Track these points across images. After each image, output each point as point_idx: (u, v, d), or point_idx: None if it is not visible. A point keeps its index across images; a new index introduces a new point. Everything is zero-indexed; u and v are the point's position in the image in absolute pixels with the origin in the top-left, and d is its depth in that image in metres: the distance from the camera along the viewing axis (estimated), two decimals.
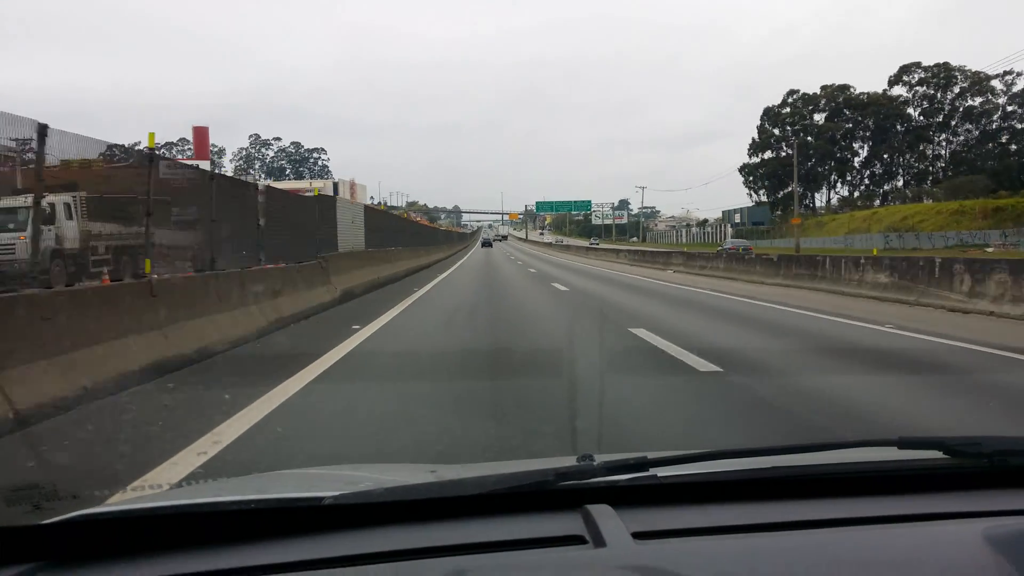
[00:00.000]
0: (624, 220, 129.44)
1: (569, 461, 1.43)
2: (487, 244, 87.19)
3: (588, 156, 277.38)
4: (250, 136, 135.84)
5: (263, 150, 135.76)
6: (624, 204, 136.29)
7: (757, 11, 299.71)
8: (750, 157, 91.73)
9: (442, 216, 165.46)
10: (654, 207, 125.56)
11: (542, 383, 5.80)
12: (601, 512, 1.23)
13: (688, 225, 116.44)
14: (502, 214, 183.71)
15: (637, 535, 1.17)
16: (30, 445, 4.15)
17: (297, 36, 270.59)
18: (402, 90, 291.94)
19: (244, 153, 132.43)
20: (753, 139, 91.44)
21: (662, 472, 1.37)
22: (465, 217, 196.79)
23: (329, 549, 1.15)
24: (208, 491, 1.65)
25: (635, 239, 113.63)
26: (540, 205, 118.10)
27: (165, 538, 1.17)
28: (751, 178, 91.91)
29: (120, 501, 2.24)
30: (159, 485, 3.29)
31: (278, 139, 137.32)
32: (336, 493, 1.26)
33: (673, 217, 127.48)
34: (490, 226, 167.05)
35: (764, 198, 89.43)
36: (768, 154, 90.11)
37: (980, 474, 1.43)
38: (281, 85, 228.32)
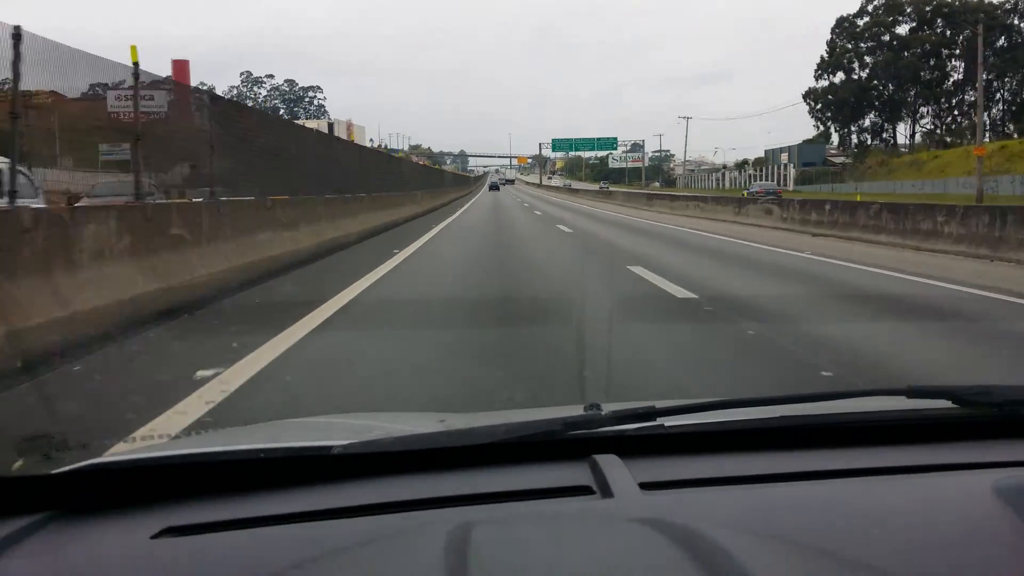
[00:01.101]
0: (645, 163, 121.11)
1: (577, 410, 1.46)
2: (494, 188, 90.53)
3: (598, 100, 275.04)
4: (241, 73, 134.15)
5: (255, 88, 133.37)
6: (637, 147, 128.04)
7: None
8: (817, 80, 75.17)
9: (447, 161, 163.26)
10: (668, 150, 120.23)
11: (550, 330, 6.16)
12: (608, 462, 1.29)
13: (718, 168, 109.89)
14: (510, 158, 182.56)
15: (644, 485, 1.22)
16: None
17: None
18: (404, 32, 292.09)
19: (235, 92, 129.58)
20: (822, 57, 74.49)
21: (669, 421, 1.42)
22: (472, 162, 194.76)
23: (338, 499, 1.22)
24: (217, 439, 1.84)
25: (657, 184, 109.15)
26: (557, 144, 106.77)
27: (174, 487, 1.23)
28: (819, 106, 75.44)
29: (130, 450, 2.37)
30: (199, 424, 3.55)
31: (271, 76, 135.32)
32: (345, 442, 1.31)
33: (691, 161, 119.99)
34: (496, 171, 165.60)
35: (835, 131, 75.56)
36: (838, 76, 74.18)
37: (991, 424, 1.47)
38: (276, 28, 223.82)
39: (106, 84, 10.00)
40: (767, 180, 69.66)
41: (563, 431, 1.35)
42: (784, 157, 79.84)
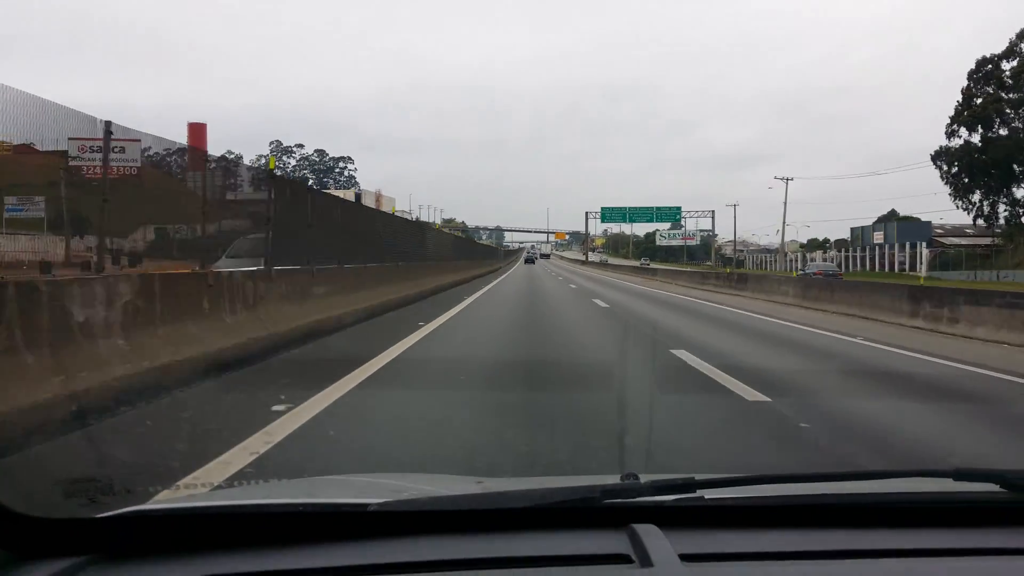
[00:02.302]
0: (696, 241, 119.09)
1: (614, 479, 1.61)
2: (530, 261, 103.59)
3: (632, 179, 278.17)
4: (271, 143, 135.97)
5: (284, 158, 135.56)
6: (677, 223, 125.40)
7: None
8: (950, 138, 60.37)
9: (483, 235, 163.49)
10: (710, 231, 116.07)
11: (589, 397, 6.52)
12: (648, 532, 1.36)
13: (770, 250, 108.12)
14: (547, 233, 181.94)
15: (685, 557, 1.28)
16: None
17: (334, 61, 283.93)
18: (440, 111, 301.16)
19: (263, 162, 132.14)
20: (957, 107, 60.15)
21: (709, 494, 1.49)
22: (508, 236, 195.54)
23: (373, 556, 1.31)
24: (258, 492, 2.09)
25: (709, 263, 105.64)
26: (607, 213, 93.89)
27: (215, 536, 1.35)
28: (954, 169, 60.23)
29: (172, 498, 2.63)
30: (246, 476, 3.84)
31: (300, 146, 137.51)
32: (381, 500, 1.42)
33: (744, 241, 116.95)
34: (532, 246, 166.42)
35: (978, 198, 60.01)
36: (971, 135, 58.78)
37: None
38: (315, 105, 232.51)
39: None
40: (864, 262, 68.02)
41: (600, 499, 1.46)
42: (878, 236, 73.73)
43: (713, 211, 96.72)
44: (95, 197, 9.00)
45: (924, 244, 63.20)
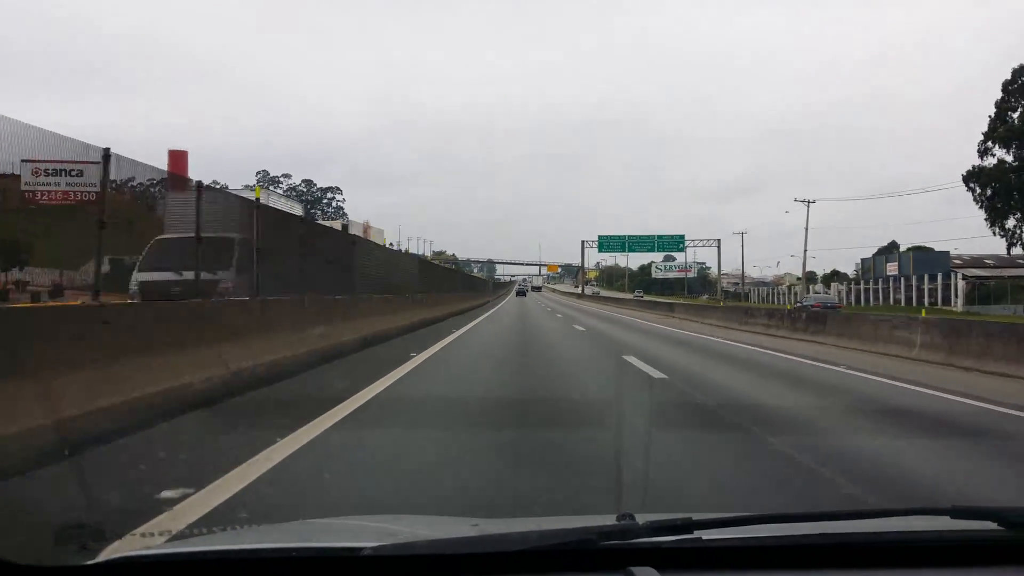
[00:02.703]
0: (693, 274, 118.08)
1: (610, 519, 1.65)
2: (521, 293, 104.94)
3: (624, 212, 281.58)
4: (257, 172, 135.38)
5: (271, 187, 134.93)
6: (670, 256, 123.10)
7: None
8: (982, 157, 55.59)
9: (474, 268, 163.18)
10: (704, 263, 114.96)
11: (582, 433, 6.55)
12: (646, 575, 1.38)
13: (760, 284, 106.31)
14: (539, 265, 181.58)
15: None
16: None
17: (324, 95, 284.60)
18: (429, 146, 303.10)
19: (248, 191, 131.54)
20: (990, 122, 55.59)
21: (707, 535, 1.52)
22: (500, 269, 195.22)
23: None
24: (249, 537, 2.08)
25: (706, 296, 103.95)
26: (604, 242, 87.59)
27: None
28: (987, 191, 54.69)
29: (163, 544, 2.64)
30: (204, 528, 3.64)
31: (287, 176, 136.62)
32: (375, 544, 1.45)
33: (728, 274, 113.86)
34: (524, 279, 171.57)
35: (1013, 224, 55.16)
36: (1007, 152, 54.76)
37: None
38: (305, 136, 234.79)
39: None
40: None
41: (597, 541, 1.49)
42: (892, 268, 69.36)
43: (719, 240, 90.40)
44: (38, 224, 8.22)
45: (959, 276, 59.91)
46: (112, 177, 8.43)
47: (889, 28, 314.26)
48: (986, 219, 55.96)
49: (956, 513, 1.60)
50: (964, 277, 60.08)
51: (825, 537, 1.58)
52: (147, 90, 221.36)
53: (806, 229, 70.38)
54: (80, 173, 9.00)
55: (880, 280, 69.59)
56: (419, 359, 12.85)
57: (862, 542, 1.60)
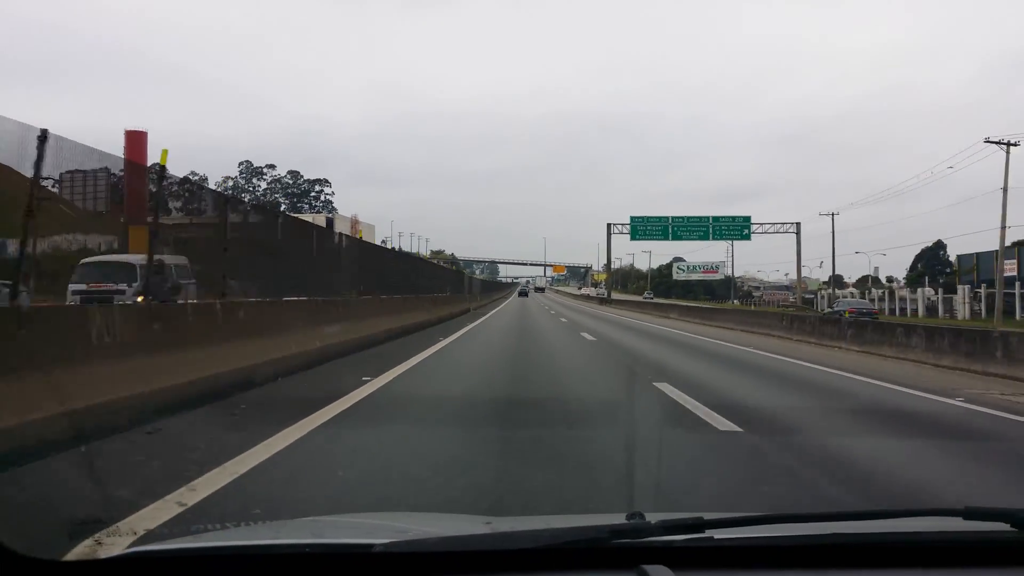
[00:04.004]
0: (718, 275, 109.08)
1: (621, 518, 1.69)
2: (523, 294, 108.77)
3: (622, 214, 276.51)
4: (240, 163, 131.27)
5: (254, 180, 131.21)
6: (678, 258, 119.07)
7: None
8: None
9: (476, 270, 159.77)
10: (724, 261, 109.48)
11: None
12: (658, 573, 1.43)
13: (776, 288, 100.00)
14: (545, 266, 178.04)
15: None
16: None
17: (323, 91, 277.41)
18: (432, 143, 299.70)
19: (231, 183, 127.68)
20: None
21: (719, 534, 1.60)
22: (503, 270, 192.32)
23: None
24: (264, 533, 2.17)
25: (736, 302, 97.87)
26: (639, 225, 69.57)
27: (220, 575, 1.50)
28: None
29: (178, 538, 2.59)
30: (219, 524, 3.86)
31: (272, 167, 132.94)
32: (387, 541, 1.52)
33: (750, 278, 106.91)
34: (527, 281, 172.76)
35: None
36: None
37: None
38: (303, 134, 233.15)
39: None
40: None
41: (608, 539, 1.55)
42: (1010, 266, 53.05)
43: (798, 224, 71.14)
44: None
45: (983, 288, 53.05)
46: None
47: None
48: None
49: (969, 514, 1.65)
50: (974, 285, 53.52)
51: (837, 537, 1.64)
52: (142, 90, 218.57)
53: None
54: None
55: (983, 284, 56.64)
56: None
57: (874, 542, 1.66)
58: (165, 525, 3.81)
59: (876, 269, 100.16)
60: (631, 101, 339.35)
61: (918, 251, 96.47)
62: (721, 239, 72.02)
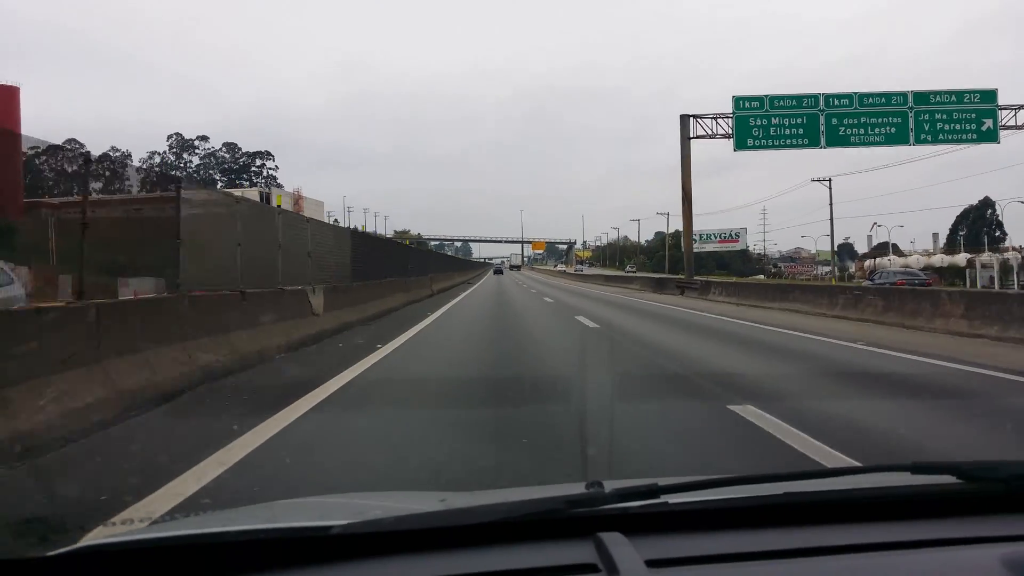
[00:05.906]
0: (738, 244, 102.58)
1: (579, 488, 1.74)
2: (499, 272, 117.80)
3: (602, 188, 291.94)
4: (169, 136, 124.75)
5: (185, 155, 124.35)
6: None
7: None
8: None
9: (448, 249, 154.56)
10: (745, 229, 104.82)
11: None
12: (614, 540, 1.54)
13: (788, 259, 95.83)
14: (523, 243, 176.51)
15: (651, 563, 1.46)
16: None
17: (287, 68, 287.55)
18: (398, 126, 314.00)
19: (159, 159, 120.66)
20: None
21: (673, 499, 1.70)
22: (476, 248, 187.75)
23: None
24: (217, 520, 2.12)
25: (762, 277, 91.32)
26: (751, 113, 38.98)
27: (173, 568, 1.48)
28: None
29: (128, 531, 2.67)
30: (174, 513, 4.04)
31: (204, 139, 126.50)
32: (345, 522, 1.56)
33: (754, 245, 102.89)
34: (502, 261, 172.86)
35: None
36: None
37: (997, 499, 1.77)
38: (264, 116, 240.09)
39: None
40: None
41: (566, 509, 1.64)
42: None
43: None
44: None
45: None
46: None
47: None
48: None
49: (916, 469, 1.76)
50: None
51: (789, 496, 1.75)
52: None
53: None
54: None
55: None
56: None
57: (825, 500, 1.79)
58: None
59: (890, 235, 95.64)
60: (605, 74, 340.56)
61: (959, 212, 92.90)
62: (936, 142, 38.80)
